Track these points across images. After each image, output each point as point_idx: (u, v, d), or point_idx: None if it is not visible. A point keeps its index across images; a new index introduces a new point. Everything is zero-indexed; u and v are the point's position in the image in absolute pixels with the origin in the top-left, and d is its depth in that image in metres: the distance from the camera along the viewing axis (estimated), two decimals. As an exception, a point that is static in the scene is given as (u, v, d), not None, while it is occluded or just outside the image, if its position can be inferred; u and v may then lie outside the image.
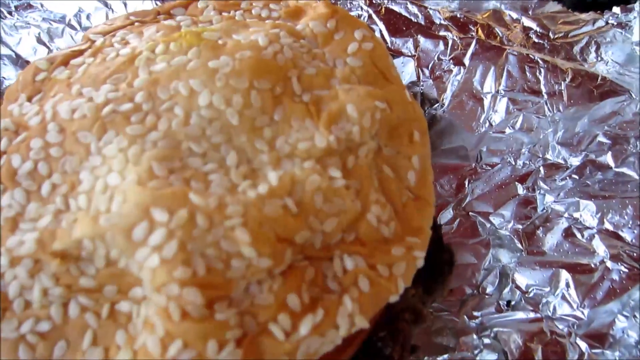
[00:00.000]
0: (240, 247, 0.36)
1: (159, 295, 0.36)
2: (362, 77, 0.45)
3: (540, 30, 0.69)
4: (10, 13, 0.79)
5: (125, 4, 0.77)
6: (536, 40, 0.69)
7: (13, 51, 0.76)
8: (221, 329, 0.35)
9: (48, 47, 0.76)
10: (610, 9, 0.70)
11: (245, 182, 0.39)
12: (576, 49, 0.68)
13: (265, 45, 0.44)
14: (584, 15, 0.71)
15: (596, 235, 0.54)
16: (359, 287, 0.39)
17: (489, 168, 0.62)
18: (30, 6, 0.80)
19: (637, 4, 0.68)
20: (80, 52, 0.46)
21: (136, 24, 0.49)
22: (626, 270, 0.51)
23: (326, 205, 0.39)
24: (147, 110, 0.41)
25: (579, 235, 0.55)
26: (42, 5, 0.80)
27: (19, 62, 0.75)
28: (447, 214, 0.59)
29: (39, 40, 0.77)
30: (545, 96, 0.63)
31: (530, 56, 0.66)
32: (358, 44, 0.46)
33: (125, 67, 0.43)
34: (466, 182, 0.62)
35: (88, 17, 0.78)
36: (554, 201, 0.58)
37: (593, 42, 0.67)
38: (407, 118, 0.45)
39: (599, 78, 0.63)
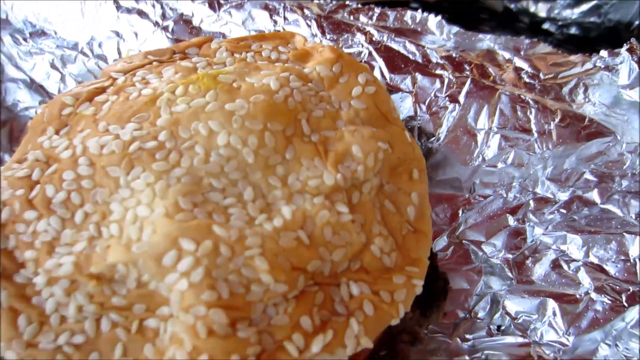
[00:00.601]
0: (259, 274, 0.40)
1: (186, 315, 0.39)
2: (366, 119, 0.49)
3: (531, 71, 0.71)
4: (25, 40, 0.82)
5: (136, 34, 0.80)
6: (527, 80, 0.70)
7: (28, 76, 0.79)
8: (243, 345, 0.39)
9: (61, 73, 0.79)
10: (598, 49, 0.73)
11: (261, 215, 0.42)
12: (565, 89, 0.69)
13: (277, 89, 0.47)
14: (573, 57, 0.72)
15: (582, 268, 0.56)
16: (364, 311, 0.42)
17: (482, 199, 0.64)
18: (44, 33, 0.83)
19: (623, 48, 0.71)
20: (102, 89, 0.50)
21: (154, 63, 0.52)
22: (609, 302, 0.54)
23: (334, 238, 0.42)
24: (170, 148, 0.44)
25: (565, 267, 0.57)
26: (55, 33, 0.82)
27: (33, 86, 0.79)
28: (441, 242, 0.61)
29: (53, 66, 0.80)
30: (536, 134, 0.65)
31: (522, 96, 0.68)
32: (362, 88, 0.50)
33: (147, 107, 0.47)
34: (460, 212, 0.64)
35: (100, 45, 0.80)
36: (543, 233, 0.60)
37: (581, 83, 0.69)
38: (407, 158, 0.48)
39: (586, 119, 0.65)
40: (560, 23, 1.02)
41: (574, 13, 1.00)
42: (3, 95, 0.78)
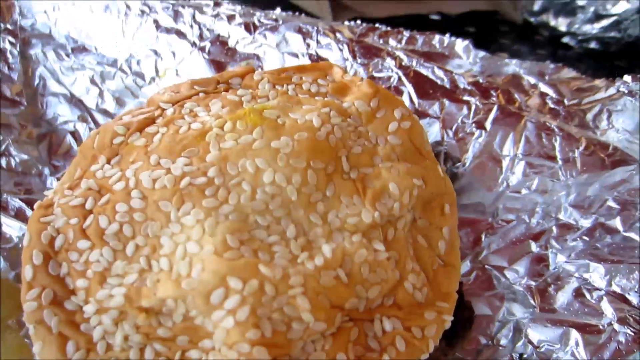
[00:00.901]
0: (301, 312, 0.41)
1: (230, 351, 0.41)
2: (401, 154, 0.51)
3: (556, 97, 0.72)
4: (67, 55, 0.85)
5: (173, 54, 0.83)
6: (552, 106, 0.71)
7: (68, 90, 0.82)
8: (283, 383, 0.40)
9: (99, 88, 0.82)
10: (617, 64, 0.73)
11: (303, 253, 0.44)
12: (589, 116, 0.70)
13: (319, 125, 0.50)
14: (597, 82, 0.73)
15: (604, 297, 0.57)
16: (396, 347, 0.44)
17: (505, 224, 0.65)
18: (85, 49, 0.86)
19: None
20: (152, 120, 0.52)
21: (200, 94, 0.54)
22: (632, 333, 0.54)
23: (371, 276, 0.44)
24: (218, 184, 0.46)
25: (588, 296, 0.57)
26: (96, 49, 0.85)
27: (73, 100, 0.81)
28: (464, 266, 0.62)
29: (92, 81, 0.83)
30: (560, 162, 0.66)
31: (547, 124, 0.69)
32: (397, 123, 0.52)
33: (197, 141, 0.49)
34: (483, 236, 0.65)
35: (138, 62, 0.83)
36: (565, 261, 0.60)
37: (605, 109, 0.70)
38: (440, 192, 0.50)
39: (610, 147, 0.66)
40: (580, 37, 1.03)
41: (594, 28, 1.01)
42: (44, 109, 0.81)
